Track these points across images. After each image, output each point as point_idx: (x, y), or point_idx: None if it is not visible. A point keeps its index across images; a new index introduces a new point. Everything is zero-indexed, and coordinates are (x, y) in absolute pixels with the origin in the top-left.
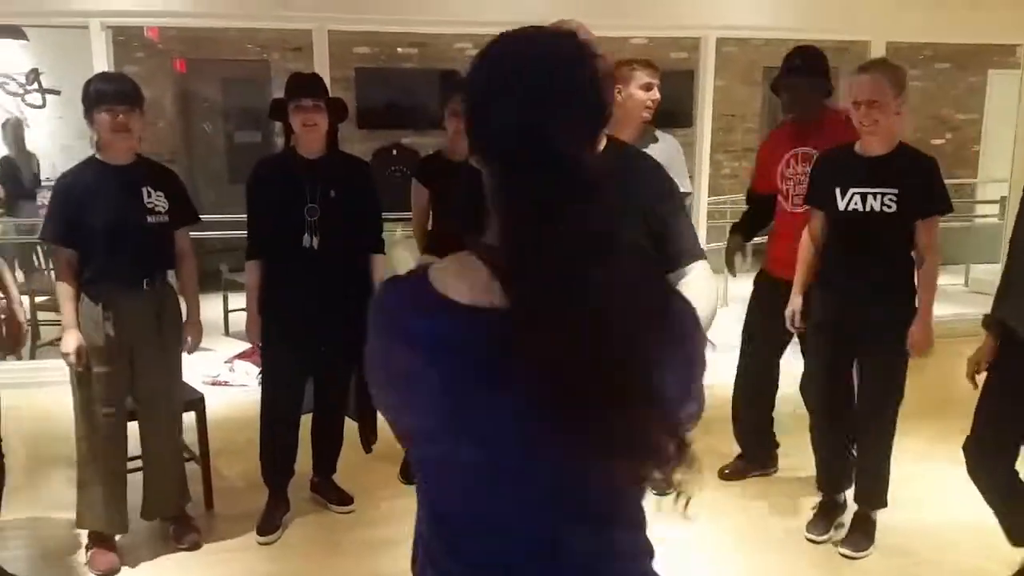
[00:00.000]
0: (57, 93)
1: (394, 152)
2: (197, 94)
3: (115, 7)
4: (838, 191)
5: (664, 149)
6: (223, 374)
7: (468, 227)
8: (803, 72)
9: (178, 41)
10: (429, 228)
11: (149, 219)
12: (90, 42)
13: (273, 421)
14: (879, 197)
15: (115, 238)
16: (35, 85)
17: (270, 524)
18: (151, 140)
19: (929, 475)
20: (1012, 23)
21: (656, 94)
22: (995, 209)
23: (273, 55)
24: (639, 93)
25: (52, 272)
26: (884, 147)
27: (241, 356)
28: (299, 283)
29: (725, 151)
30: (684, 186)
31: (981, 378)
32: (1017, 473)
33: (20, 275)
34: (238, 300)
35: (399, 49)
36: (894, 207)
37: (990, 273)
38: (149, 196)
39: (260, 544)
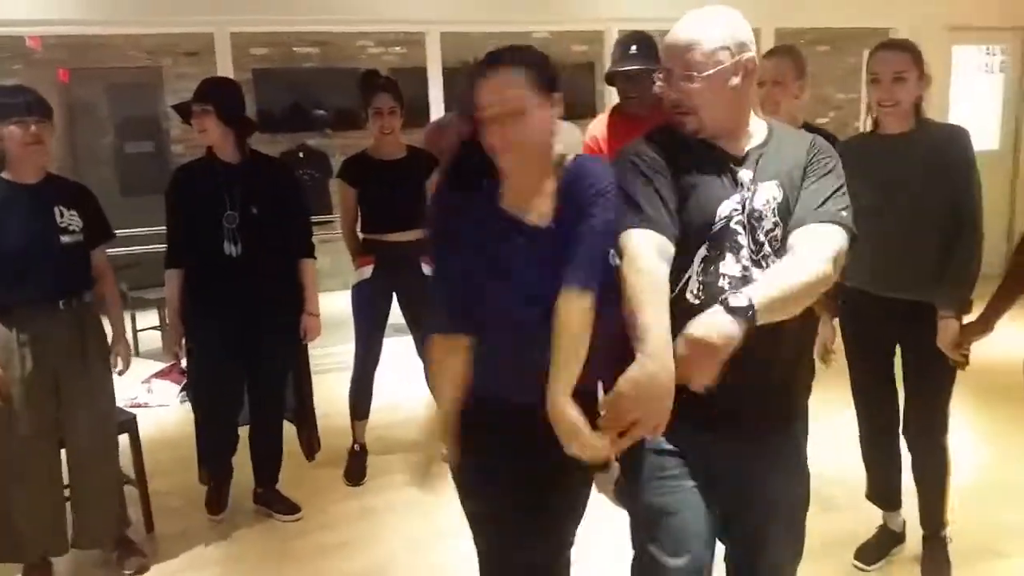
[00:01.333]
0: None
1: (300, 155)
2: (83, 104)
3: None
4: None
5: (563, 138)
6: (141, 395)
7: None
8: (642, 59)
9: (61, 49)
10: (359, 229)
11: (63, 239)
12: None
13: (208, 420)
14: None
15: (27, 261)
16: None
17: (218, 503)
18: None
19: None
20: (885, 8)
21: None
22: None
23: (165, 61)
24: None
25: None
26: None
27: (159, 375)
28: (221, 292)
29: None
30: None
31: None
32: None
33: None
34: (146, 318)
35: (297, 49)
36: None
37: None
38: (62, 216)
39: (211, 521)
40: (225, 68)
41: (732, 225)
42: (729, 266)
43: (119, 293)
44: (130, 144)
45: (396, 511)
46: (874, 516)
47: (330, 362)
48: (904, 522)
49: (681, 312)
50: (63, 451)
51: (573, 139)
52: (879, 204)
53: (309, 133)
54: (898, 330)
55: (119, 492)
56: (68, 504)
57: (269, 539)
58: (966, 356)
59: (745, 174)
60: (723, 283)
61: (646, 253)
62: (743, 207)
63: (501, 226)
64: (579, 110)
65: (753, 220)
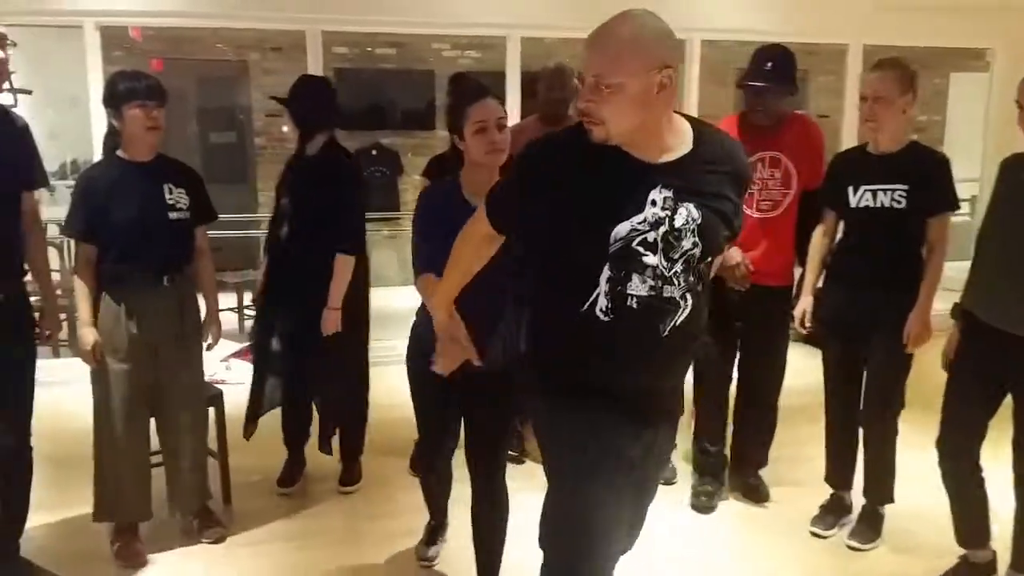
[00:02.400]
0: (29, 93)
1: (374, 152)
2: (173, 93)
3: (109, 7)
4: (850, 189)
5: None
6: (219, 373)
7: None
8: (774, 77)
9: (157, 41)
10: None
11: (171, 215)
12: (62, 42)
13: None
14: (888, 193)
15: (137, 234)
16: (6, 84)
17: (289, 477)
18: None
19: (927, 466)
20: (982, 28)
21: None
22: (965, 208)
23: (252, 55)
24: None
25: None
26: (894, 145)
27: (236, 355)
28: (275, 273)
29: None
30: None
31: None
32: (980, 469)
33: None
34: (224, 300)
35: (376, 49)
36: (903, 203)
37: (960, 271)
38: (171, 193)
39: (279, 495)
40: (315, 65)
41: (634, 246)
42: (636, 286)
43: (214, 272)
44: (214, 134)
45: (462, 502)
46: (948, 550)
47: (393, 355)
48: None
49: (593, 330)
50: (151, 421)
51: None
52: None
53: (383, 131)
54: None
55: (204, 463)
56: (153, 472)
57: (342, 519)
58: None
59: (660, 193)
60: (631, 303)
61: (469, 233)
62: (655, 225)
63: (465, 210)
64: None
65: (671, 238)
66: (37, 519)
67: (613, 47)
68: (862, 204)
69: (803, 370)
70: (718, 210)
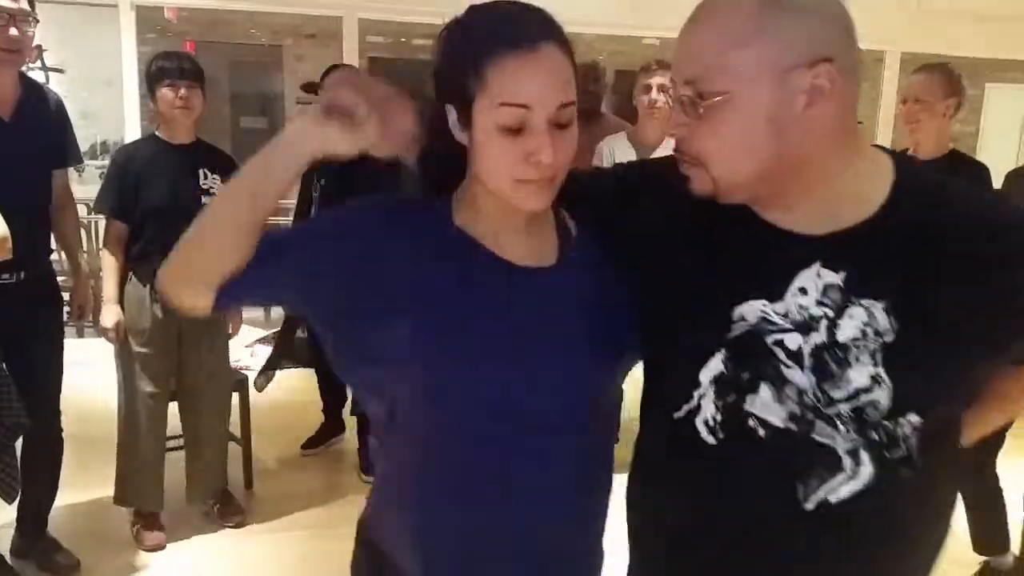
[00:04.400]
0: (61, 72)
1: None
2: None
3: None
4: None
5: None
6: (244, 359)
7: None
8: None
9: (191, 23)
10: None
11: (204, 200)
12: (96, 22)
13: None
14: None
15: (168, 216)
16: (38, 63)
17: (314, 441)
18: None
19: None
20: (1021, 38)
21: (657, 95)
22: None
23: (286, 40)
24: (640, 97)
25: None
26: (935, 151)
27: (261, 341)
28: None
29: None
30: None
31: None
32: (997, 477)
33: None
34: None
35: (413, 40)
36: None
37: None
38: (205, 178)
39: (302, 455)
40: (350, 53)
41: (769, 343)
42: (765, 404)
43: None
44: (245, 119)
45: None
46: (971, 560)
47: None
48: None
49: (689, 454)
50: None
51: None
52: None
53: None
54: None
55: (225, 448)
56: (173, 456)
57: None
58: None
59: (818, 278)
60: (754, 427)
61: None
62: (804, 328)
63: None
64: None
65: (828, 357)
66: (60, 499)
67: (717, 31)
68: None
69: None
70: (937, 325)
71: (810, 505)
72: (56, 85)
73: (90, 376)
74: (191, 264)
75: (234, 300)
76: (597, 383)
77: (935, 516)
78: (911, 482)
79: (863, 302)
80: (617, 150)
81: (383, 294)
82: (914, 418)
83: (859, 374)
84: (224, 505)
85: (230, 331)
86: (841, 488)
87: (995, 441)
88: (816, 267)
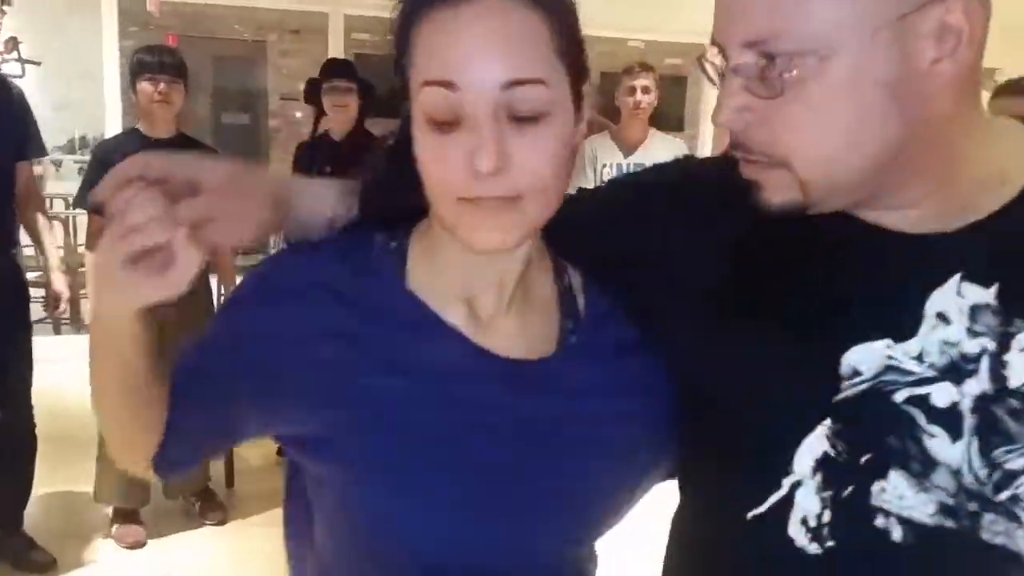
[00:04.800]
0: (37, 64)
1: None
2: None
3: None
4: None
5: (670, 149)
6: None
7: None
8: None
9: (174, 16)
10: None
11: None
12: (75, 14)
13: None
14: None
15: None
16: (14, 54)
17: None
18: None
19: None
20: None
21: (640, 97)
22: None
23: (271, 36)
24: (624, 98)
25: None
26: None
27: None
28: None
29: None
30: None
31: None
32: None
33: None
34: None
35: None
36: None
37: None
38: None
39: (277, 463)
40: (336, 49)
41: (900, 402)
42: (901, 495)
43: (230, 258)
44: (227, 115)
45: None
46: None
47: None
48: None
49: (768, 564)
50: None
51: (678, 151)
52: None
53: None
54: None
55: None
56: None
57: None
58: None
59: (960, 296)
60: (887, 529)
61: None
62: (955, 372)
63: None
64: (670, 124)
65: (1001, 411)
66: (38, 495)
67: None
68: None
69: None
70: None
71: None
72: (33, 77)
73: (66, 373)
74: (111, 445)
75: (175, 469)
76: (587, 536)
77: None
78: None
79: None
80: (600, 150)
81: (304, 389)
82: None
83: None
84: (205, 503)
85: None
86: None
87: None
88: (955, 283)
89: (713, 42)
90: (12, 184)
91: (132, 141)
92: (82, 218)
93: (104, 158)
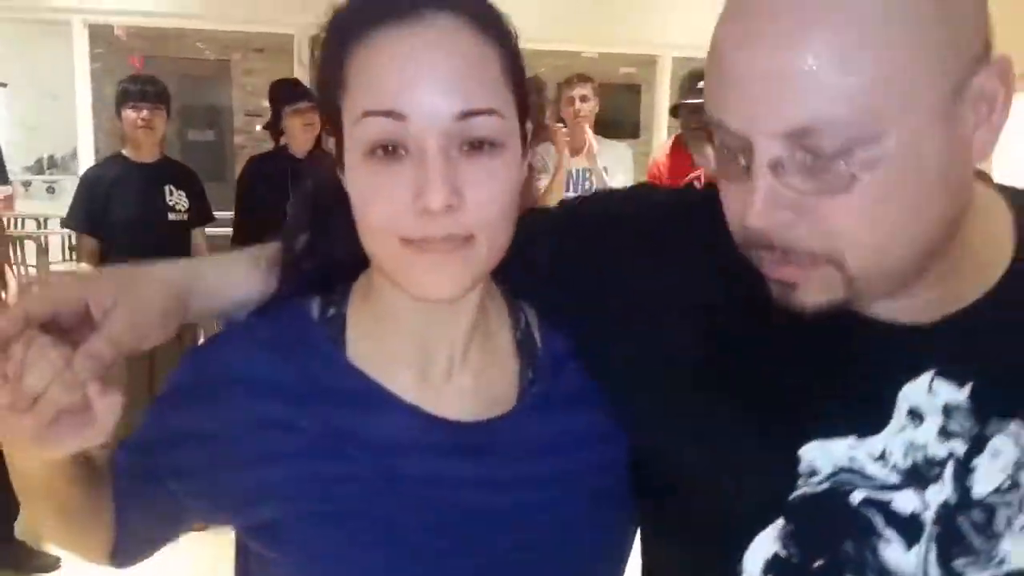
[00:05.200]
0: (4, 85)
1: None
2: None
3: (97, 5)
4: None
5: (613, 154)
6: None
7: None
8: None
9: (139, 38)
10: None
11: (170, 216)
12: (42, 36)
13: None
14: None
15: (137, 232)
16: None
17: None
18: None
19: None
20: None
21: (579, 106)
22: None
23: (235, 55)
24: (566, 108)
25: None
26: None
27: None
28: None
29: None
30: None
31: None
32: None
33: None
34: None
35: None
36: None
37: None
38: (171, 195)
39: None
40: (301, 70)
41: (857, 505)
42: None
43: None
44: (193, 132)
45: None
46: None
47: None
48: None
49: None
50: None
51: (620, 155)
52: None
53: None
54: None
55: None
56: None
57: None
58: None
59: (932, 395)
60: None
61: None
62: (918, 478)
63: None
64: (626, 131)
65: (969, 528)
66: None
67: (862, 38)
68: None
69: None
70: None
71: None
72: (1, 99)
73: None
74: (66, 549)
75: (133, 560)
76: None
77: None
78: None
79: (1012, 426)
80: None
81: (245, 482)
82: None
83: (1017, 546)
84: None
85: (202, 342)
86: None
87: None
88: (927, 378)
89: (713, 123)
90: None
91: (117, 165)
92: (54, 237)
93: (92, 182)
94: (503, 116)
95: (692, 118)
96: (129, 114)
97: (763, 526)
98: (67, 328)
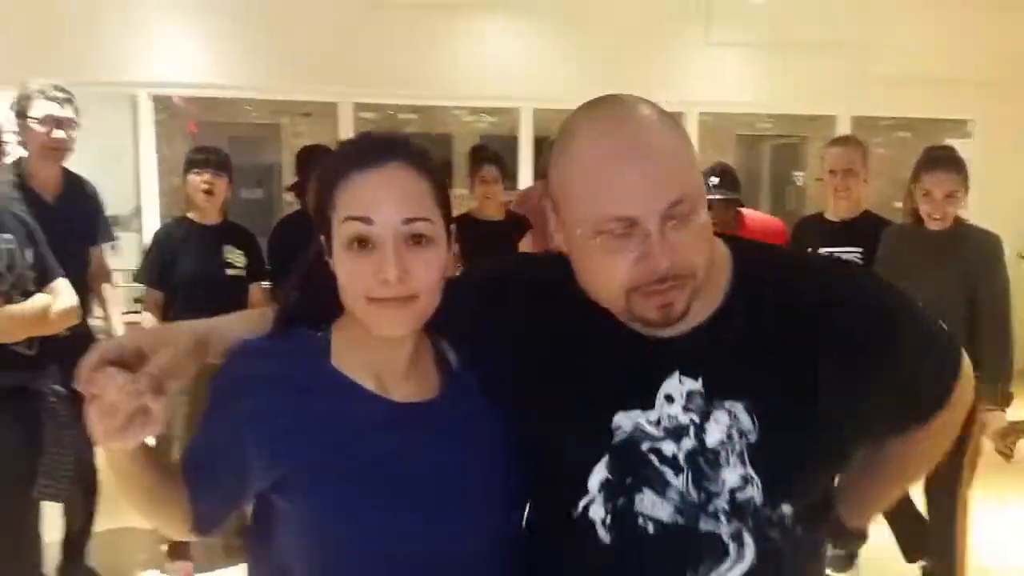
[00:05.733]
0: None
1: None
2: None
3: (161, 79)
4: (809, 251)
5: None
6: None
7: None
8: (723, 188)
9: (194, 104)
10: None
11: (228, 272)
12: (103, 104)
13: None
14: (844, 255)
15: (197, 287)
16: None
17: None
18: (170, 195)
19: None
20: (963, 100)
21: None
22: None
23: (283, 119)
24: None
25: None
26: (851, 212)
27: None
28: None
29: None
30: None
31: None
32: None
33: None
34: None
35: (400, 115)
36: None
37: None
38: (230, 253)
39: None
40: (345, 132)
41: (645, 451)
42: (651, 505)
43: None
44: (245, 190)
45: None
46: None
47: None
48: None
49: (583, 545)
50: None
51: None
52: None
53: None
54: None
55: None
56: None
57: None
58: (1011, 448)
59: (679, 384)
60: (645, 526)
61: None
62: (675, 435)
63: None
64: None
65: (702, 462)
66: (98, 532)
67: (684, 153)
68: None
69: None
70: (797, 417)
71: None
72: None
73: None
74: (154, 524)
75: (210, 529)
76: (495, 521)
77: None
78: (790, 558)
79: (726, 404)
80: None
81: (268, 449)
82: (787, 508)
83: (732, 474)
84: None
85: None
86: (728, 573)
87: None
88: (676, 375)
89: (604, 217)
90: (87, 265)
91: (183, 227)
92: (119, 290)
93: (161, 241)
94: (432, 222)
95: (712, 214)
96: (194, 180)
97: (596, 462)
98: (129, 364)
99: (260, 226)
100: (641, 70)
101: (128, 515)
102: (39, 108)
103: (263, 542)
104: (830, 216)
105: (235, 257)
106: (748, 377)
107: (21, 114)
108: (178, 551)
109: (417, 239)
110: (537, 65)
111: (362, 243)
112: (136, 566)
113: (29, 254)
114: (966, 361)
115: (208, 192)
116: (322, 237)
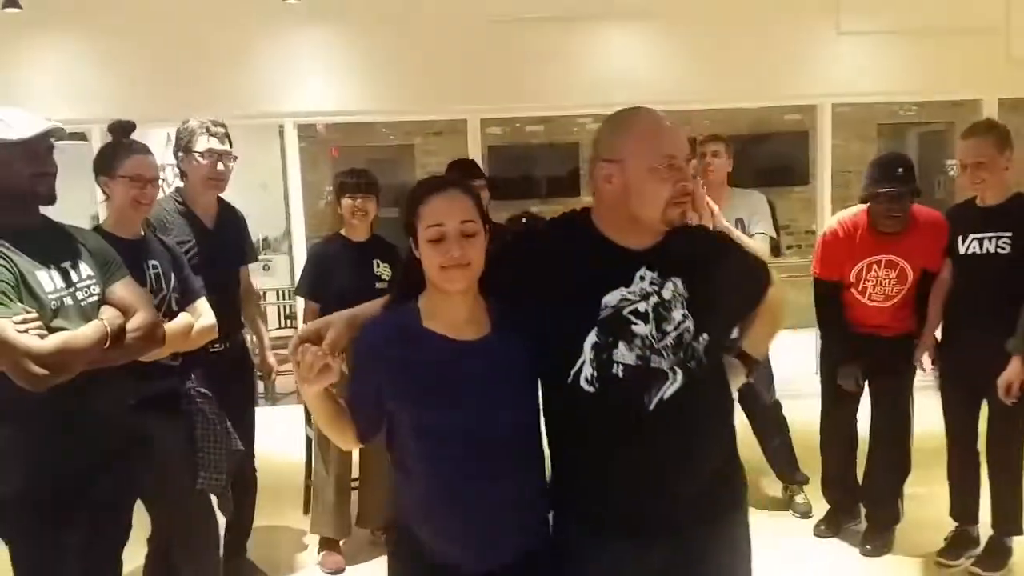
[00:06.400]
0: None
1: (523, 220)
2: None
3: (305, 108)
4: (959, 238)
5: (747, 203)
6: None
7: None
8: (904, 182)
9: (335, 131)
10: None
11: (377, 285)
12: (248, 133)
13: None
14: (993, 240)
15: (350, 300)
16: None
17: None
18: (315, 216)
19: None
20: None
21: (710, 160)
22: None
23: (416, 139)
24: (699, 165)
25: None
26: (998, 197)
27: None
28: None
29: (844, 204)
30: (767, 230)
31: None
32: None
33: None
34: None
35: (526, 127)
36: (1008, 249)
37: None
38: (378, 267)
39: None
40: (474, 146)
41: (625, 314)
42: (622, 354)
43: None
44: (383, 209)
45: None
46: None
47: None
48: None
49: (576, 400)
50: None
51: (755, 203)
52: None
53: (532, 200)
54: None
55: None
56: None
57: None
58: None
59: (646, 271)
60: (617, 371)
61: None
62: (646, 296)
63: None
64: (795, 177)
65: (661, 309)
66: (256, 530)
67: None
68: (969, 251)
69: (933, 414)
70: (707, 285)
71: (652, 407)
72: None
73: (280, 437)
74: (333, 439)
75: (368, 437)
76: (520, 414)
77: (722, 408)
78: (703, 380)
79: (672, 279)
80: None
81: (389, 380)
82: (705, 337)
83: (677, 315)
84: (389, 535)
85: None
86: (667, 390)
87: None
88: (645, 269)
89: (664, 155)
90: (238, 284)
91: (337, 244)
92: (271, 307)
93: (318, 257)
94: (476, 222)
95: (894, 206)
96: (347, 202)
97: (589, 330)
98: (314, 340)
99: (398, 243)
100: (768, 66)
101: (284, 514)
102: (202, 143)
103: (392, 442)
104: (978, 202)
105: (383, 271)
106: (681, 267)
107: (187, 149)
108: (331, 545)
109: (468, 234)
110: (659, 68)
111: (438, 240)
112: (292, 560)
113: (173, 278)
114: (773, 272)
115: (360, 212)
116: (410, 239)
